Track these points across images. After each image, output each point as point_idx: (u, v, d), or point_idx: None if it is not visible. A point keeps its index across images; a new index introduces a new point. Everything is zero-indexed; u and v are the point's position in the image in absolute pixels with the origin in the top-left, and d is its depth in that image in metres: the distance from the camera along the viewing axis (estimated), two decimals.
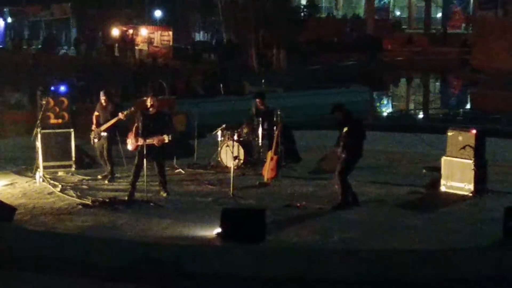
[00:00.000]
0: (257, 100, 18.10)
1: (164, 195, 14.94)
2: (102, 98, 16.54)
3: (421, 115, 36.40)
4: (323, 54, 48.20)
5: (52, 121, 17.72)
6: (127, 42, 47.18)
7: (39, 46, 52.36)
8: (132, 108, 16.06)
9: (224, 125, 17.78)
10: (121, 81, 29.73)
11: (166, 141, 14.53)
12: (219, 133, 17.75)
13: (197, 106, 19.85)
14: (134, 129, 14.73)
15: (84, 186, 16.01)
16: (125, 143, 15.45)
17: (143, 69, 35.10)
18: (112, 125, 16.31)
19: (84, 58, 42.52)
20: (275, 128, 16.99)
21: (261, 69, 42.57)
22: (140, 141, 14.44)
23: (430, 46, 55.95)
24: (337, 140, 14.20)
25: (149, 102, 14.82)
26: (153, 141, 14.42)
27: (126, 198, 14.64)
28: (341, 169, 14.03)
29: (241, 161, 17.28)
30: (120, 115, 16.10)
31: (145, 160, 14.47)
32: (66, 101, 17.94)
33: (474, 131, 14.96)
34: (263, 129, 17.41)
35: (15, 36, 55.54)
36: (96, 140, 16.54)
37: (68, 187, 15.81)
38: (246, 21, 45.22)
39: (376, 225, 13.03)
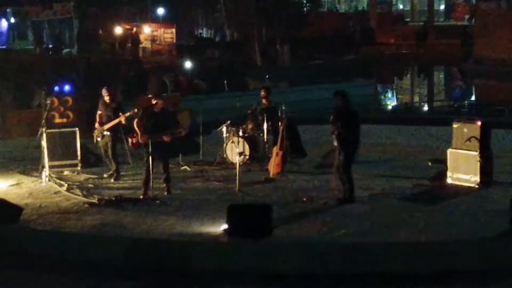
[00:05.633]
0: (262, 92, 17.90)
1: (165, 194, 14.92)
2: (106, 95, 16.53)
3: (425, 108, 36.32)
4: (326, 48, 48.00)
5: (57, 120, 17.81)
6: (132, 40, 46.88)
7: (44, 46, 52.35)
8: (135, 110, 15.95)
9: (229, 121, 17.77)
10: (123, 79, 29.57)
11: (183, 134, 14.60)
12: (224, 129, 17.73)
13: (201, 102, 19.84)
14: (138, 126, 14.62)
15: (90, 185, 16.04)
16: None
17: (144, 68, 34.94)
18: (114, 125, 16.31)
19: (87, 56, 42.39)
20: (280, 123, 16.98)
21: (264, 65, 42.48)
22: (145, 139, 14.42)
23: (433, 38, 55.70)
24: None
25: (154, 102, 14.85)
26: (165, 137, 14.39)
27: (141, 196, 14.66)
28: (343, 163, 13.97)
29: (247, 157, 17.26)
30: (121, 118, 16.05)
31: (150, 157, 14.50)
32: (70, 100, 18.00)
33: (479, 123, 14.94)
34: (268, 124, 17.38)
35: (18, 36, 55.70)
36: (99, 139, 16.53)
37: (74, 186, 15.85)
38: (249, 17, 45.15)
39: (381, 218, 13.04)
